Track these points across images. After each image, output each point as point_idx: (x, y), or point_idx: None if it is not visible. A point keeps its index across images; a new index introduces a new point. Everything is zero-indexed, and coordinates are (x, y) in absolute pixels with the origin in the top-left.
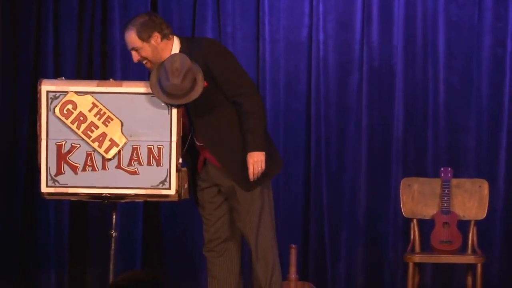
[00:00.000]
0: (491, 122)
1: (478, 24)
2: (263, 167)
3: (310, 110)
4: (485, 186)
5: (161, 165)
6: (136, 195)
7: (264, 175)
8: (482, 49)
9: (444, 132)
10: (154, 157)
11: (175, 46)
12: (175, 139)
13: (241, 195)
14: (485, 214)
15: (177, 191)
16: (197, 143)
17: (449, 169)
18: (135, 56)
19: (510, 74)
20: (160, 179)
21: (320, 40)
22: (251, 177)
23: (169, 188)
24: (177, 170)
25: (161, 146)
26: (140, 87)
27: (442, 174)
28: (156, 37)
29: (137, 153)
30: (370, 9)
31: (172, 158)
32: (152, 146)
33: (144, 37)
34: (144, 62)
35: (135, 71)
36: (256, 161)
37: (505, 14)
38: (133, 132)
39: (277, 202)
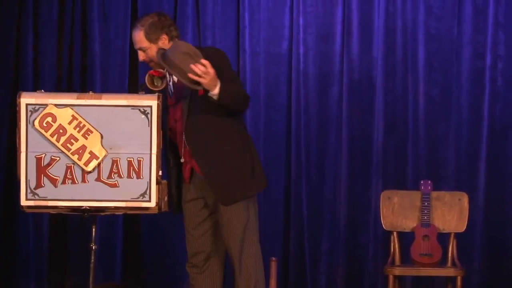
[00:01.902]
0: (471, 135)
1: (458, 37)
2: (206, 76)
3: (291, 121)
4: (465, 199)
5: (141, 177)
6: (116, 207)
7: (242, 192)
8: (461, 61)
9: (424, 144)
10: (134, 170)
11: None
12: (155, 152)
13: (225, 208)
14: (465, 227)
15: (157, 203)
16: (187, 147)
17: (429, 182)
18: (141, 56)
19: (489, 87)
20: (140, 191)
21: (300, 52)
22: (194, 69)
23: (149, 201)
24: (157, 183)
25: (141, 159)
26: (119, 100)
27: (422, 187)
28: (164, 39)
29: (117, 165)
30: (350, 22)
31: (152, 170)
32: (132, 159)
33: (152, 38)
34: (149, 62)
35: (115, 84)
36: (210, 72)
37: (484, 27)
38: (113, 144)
39: (259, 213)
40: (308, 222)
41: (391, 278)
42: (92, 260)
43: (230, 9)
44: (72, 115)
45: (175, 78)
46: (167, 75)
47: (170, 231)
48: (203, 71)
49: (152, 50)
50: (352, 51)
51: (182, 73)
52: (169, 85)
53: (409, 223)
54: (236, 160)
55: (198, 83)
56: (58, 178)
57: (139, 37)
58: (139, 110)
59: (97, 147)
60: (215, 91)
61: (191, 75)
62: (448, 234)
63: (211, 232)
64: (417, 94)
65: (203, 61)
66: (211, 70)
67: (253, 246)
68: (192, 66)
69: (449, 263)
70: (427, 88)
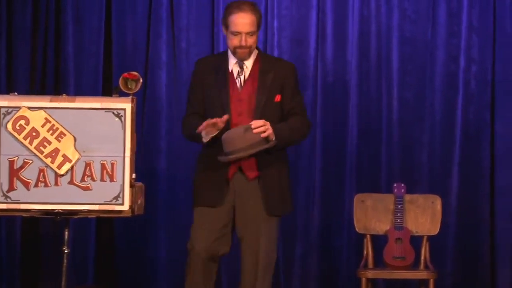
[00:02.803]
0: (444, 138)
1: (432, 40)
2: (268, 126)
3: None
4: (438, 202)
5: (115, 180)
6: (89, 211)
7: (287, 206)
8: (435, 65)
9: (397, 147)
10: (108, 173)
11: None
12: (129, 155)
13: (262, 219)
14: (438, 230)
15: (130, 206)
16: None
17: (402, 184)
18: (248, 39)
19: (463, 90)
20: (113, 194)
21: (275, 55)
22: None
23: (123, 204)
24: (131, 186)
25: (115, 162)
26: (93, 103)
27: (395, 190)
28: (259, 30)
29: (90, 168)
30: (324, 25)
31: (125, 173)
32: (105, 162)
33: (259, 26)
34: (244, 49)
35: (89, 87)
36: (266, 127)
37: (458, 30)
38: (86, 147)
39: None
40: (281, 225)
41: (364, 281)
42: (65, 264)
43: (205, 11)
44: (45, 118)
45: (247, 73)
46: (243, 67)
47: (143, 235)
48: (262, 127)
49: (255, 38)
50: (326, 55)
51: (247, 148)
52: (239, 77)
53: (382, 226)
54: (287, 176)
55: (266, 140)
56: (30, 181)
57: (253, 20)
58: (113, 113)
59: (70, 150)
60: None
61: (262, 135)
62: (421, 237)
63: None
64: (391, 97)
65: (253, 122)
66: (264, 121)
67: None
68: (255, 131)
69: (422, 266)
70: (401, 91)
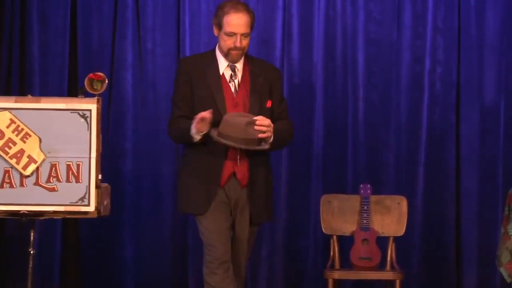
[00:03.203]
0: (410, 139)
1: (397, 42)
2: (271, 128)
3: None
4: (404, 203)
5: (80, 181)
6: (55, 212)
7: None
8: (400, 66)
9: (363, 148)
10: (73, 174)
11: None
12: (95, 155)
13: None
14: (404, 231)
15: (96, 207)
16: (242, 153)
17: (369, 185)
18: (243, 41)
19: (428, 91)
20: (79, 195)
21: None
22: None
23: (88, 205)
24: (97, 187)
25: (80, 163)
26: (58, 103)
27: (362, 191)
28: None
29: (56, 169)
30: (290, 26)
31: (91, 174)
32: (71, 163)
33: (252, 27)
34: (238, 50)
35: (54, 87)
36: (268, 123)
37: (424, 32)
38: (51, 148)
39: None
40: None
41: (330, 282)
42: (30, 265)
43: (171, 12)
44: (10, 119)
45: (239, 75)
46: (235, 70)
47: (109, 235)
48: (266, 126)
49: (248, 39)
50: (292, 56)
51: (240, 141)
52: (233, 81)
53: (348, 227)
54: (272, 183)
55: (258, 142)
56: None
57: (248, 22)
58: (78, 113)
59: (35, 151)
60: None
61: (260, 135)
62: (387, 238)
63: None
64: (357, 98)
65: (260, 118)
66: (270, 122)
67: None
68: (257, 128)
69: (388, 267)
70: (367, 92)
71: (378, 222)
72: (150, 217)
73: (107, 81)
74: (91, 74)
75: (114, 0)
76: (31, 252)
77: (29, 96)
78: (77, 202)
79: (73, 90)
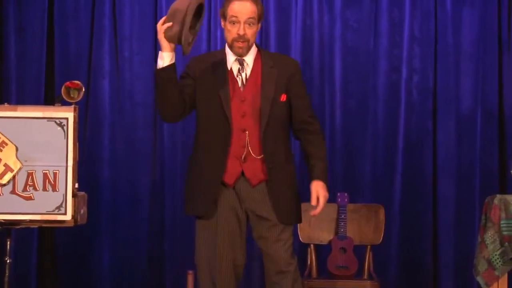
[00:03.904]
0: (387, 146)
1: (374, 50)
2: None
3: None
4: (381, 211)
5: (57, 190)
6: (31, 220)
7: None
8: (377, 74)
9: (340, 156)
10: (50, 182)
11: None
12: (71, 164)
13: (275, 231)
14: (381, 239)
15: (73, 216)
16: (253, 155)
17: (346, 194)
18: (246, 29)
19: (405, 99)
20: (56, 204)
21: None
22: (317, 211)
23: (65, 214)
24: (74, 195)
25: (57, 171)
26: (35, 112)
27: (339, 199)
28: (260, 25)
29: (32, 178)
30: (268, 34)
31: (68, 183)
32: (47, 171)
33: (260, 17)
34: (241, 41)
35: (31, 96)
36: (325, 195)
37: (400, 41)
38: (28, 157)
39: (175, 226)
40: None
41: None
42: (7, 274)
43: (148, 21)
44: None
45: (249, 71)
46: (244, 64)
47: (86, 244)
48: (320, 209)
49: (254, 29)
50: None
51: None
52: (240, 74)
53: (325, 236)
54: (295, 186)
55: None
56: None
57: (253, 9)
58: (55, 122)
59: (12, 160)
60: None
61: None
62: (365, 246)
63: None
64: (334, 106)
65: (317, 208)
66: (321, 204)
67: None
68: (317, 212)
69: (365, 275)
70: (344, 100)
71: (355, 230)
72: (127, 225)
73: (84, 90)
74: (68, 83)
75: (91, 9)
76: (7, 261)
77: (6, 105)
78: (53, 211)
79: (50, 98)
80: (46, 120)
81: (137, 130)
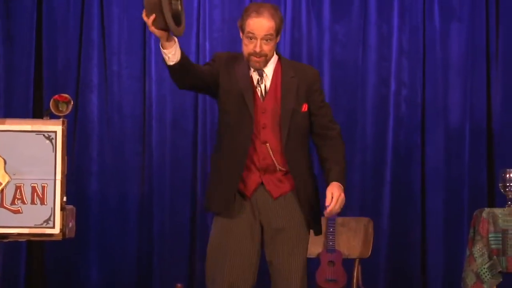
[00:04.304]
0: (376, 160)
1: (363, 64)
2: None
3: (197, 147)
4: (369, 225)
5: (45, 203)
6: (19, 234)
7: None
8: (366, 88)
9: None
10: (38, 196)
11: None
12: (60, 177)
13: (289, 244)
14: (370, 252)
15: (61, 230)
16: (274, 167)
17: None
18: (263, 46)
19: (394, 113)
20: (44, 217)
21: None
22: (330, 209)
23: (53, 227)
24: (62, 209)
25: (46, 185)
26: (24, 125)
27: None
28: (279, 37)
29: (20, 191)
30: None
31: (56, 196)
32: (36, 185)
33: (279, 30)
34: (258, 57)
35: (19, 109)
36: (343, 197)
37: (389, 54)
38: (16, 170)
39: (164, 239)
40: None
41: None
42: None
43: (136, 34)
44: None
45: (268, 82)
46: (263, 75)
47: (74, 257)
48: (332, 207)
49: (272, 44)
50: None
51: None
52: (259, 86)
53: (314, 249)
54: (317, 195)
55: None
56: None
57: (271, 25)
58: (44, 135)
59: (0, 173)
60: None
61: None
62: (353, 260)
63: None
64: None
65: (329, 210)
66: (334, 201)
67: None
68: (329, 210)
69: None
70: (333, 113)
71: (344, 244)
72: (115, 238)
73: (72, 103)
74: (56, 96)
75: (80, 22)
76: None
77: None
78: (42, 224)
79: (38, 111)
80: (34, 133)
81: (125, 143)
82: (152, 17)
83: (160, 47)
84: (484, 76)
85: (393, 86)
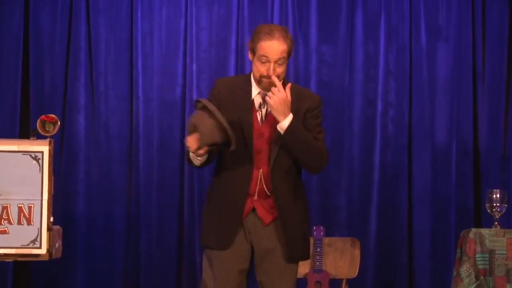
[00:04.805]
0: (362, 180)
1: (349, 85)
2: (286, 102)
3: (184, 167)
4: (356, 245)
5: (32, 224)
6: (6, 254)
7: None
8: (353, 108)
9: (316, 190)
10: (25, 216)
11: None
12: (47, 198)
13: (280, 264)
14: (357, 273)
15: (48, 250)
16: (265, 192)
17: (321, 227)
18: (276, 68)
19: (381, 133)
20: (30, 238)
21: (194, 98)
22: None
23: (40, 247)
24: (49, 229)
25: (32, 205)
26: (10, 145)
27: (315, 233)
28: (290, 57)
29: (7, 211)
30: (243, 68)
31: (43, 216)
32: (22, 205)
33: (290, 53)
34: (269, 80)
35: (6, 129)
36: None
37: (375, 75)
38: (3, 190)
39: (151, 259)
40: (199, 267)
41: None
42: None
43: (123, 55)
44: None
45: (267, 107)
46: (263, 102)
47: (61, 278)
48: (275, 91)
49: (284, 66)
50: None
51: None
52: (261, 110)
53: (301, 269)
54: (307, 222)
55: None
56: None
57: (283, 49)
58: (30, 155)
59: None
60: (284, 124)
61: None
62: (340, 280)
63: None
64: None
65: (276, 82)
66: (283, 93)
67: None
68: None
69: None
70: None
71: (331, 264)
72: (102, 258)
73: (59, 123)
74: (43, 116)
75: (67, 42)
76: None
77: None
78: (28, 244)
79: (25, 132)
80: (21, 153)
81: (112, 164)
82: (195, 135)
83: (194, 155)
84: (470, 96)
85: (379, 107)
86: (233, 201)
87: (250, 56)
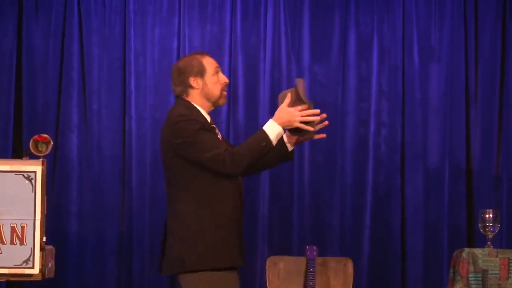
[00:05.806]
0: (355, 200)
1: (342, 104)
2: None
3: None
4: (349, 265)
5: (25, 244)
6: None
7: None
8: (345, 128)
9: (308, 209)
10: (18, 236)
11: None
12: (39, 217)
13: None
14: None
15: (40, 270)
16: None
17: (314, 247)
18: None
19: (373, 153)
20: (23, 258)
21: None
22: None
23: (33, 267)
24: (41, 249)
25: (25, 225)
26: (3, 165)
27: (308, 253)
28: None
29: (0, 231)
30: (236, 89)
31: (36, 236)
32: (15, 225)
33: None
34: (226, 89)
35: None
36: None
37: (368, 95)
38: None
39: (143, 279)
40: None
41: None
42: None
43: (116, 74)
44: None
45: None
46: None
47: None
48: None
49: None
50: (238, 117)
51: None
52: (217, 128)
53: None
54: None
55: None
56: None
57: None
58: (23, 175)
59: None
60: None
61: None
62: None
63: None
64: (302, 160)
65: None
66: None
67: None
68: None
69: None
70: (312, 154)
71: (323, 283)
72: (95, 278)
73: (52, 143)
74: (36, 136)
75: (60, 61)
76: None
77: None
78: (21, 264)
79: (18, 151)
80: (14, 173)
81: (105, 183)
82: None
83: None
84: (463, 116)
85: (372, 127)
86: (238, 210)
87: (196, 84)
